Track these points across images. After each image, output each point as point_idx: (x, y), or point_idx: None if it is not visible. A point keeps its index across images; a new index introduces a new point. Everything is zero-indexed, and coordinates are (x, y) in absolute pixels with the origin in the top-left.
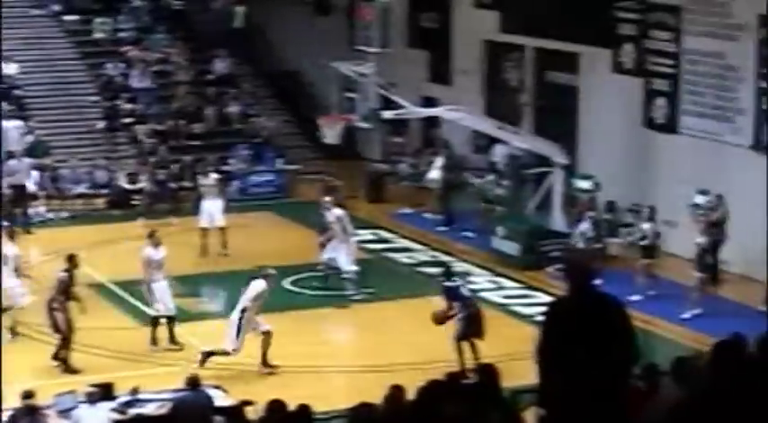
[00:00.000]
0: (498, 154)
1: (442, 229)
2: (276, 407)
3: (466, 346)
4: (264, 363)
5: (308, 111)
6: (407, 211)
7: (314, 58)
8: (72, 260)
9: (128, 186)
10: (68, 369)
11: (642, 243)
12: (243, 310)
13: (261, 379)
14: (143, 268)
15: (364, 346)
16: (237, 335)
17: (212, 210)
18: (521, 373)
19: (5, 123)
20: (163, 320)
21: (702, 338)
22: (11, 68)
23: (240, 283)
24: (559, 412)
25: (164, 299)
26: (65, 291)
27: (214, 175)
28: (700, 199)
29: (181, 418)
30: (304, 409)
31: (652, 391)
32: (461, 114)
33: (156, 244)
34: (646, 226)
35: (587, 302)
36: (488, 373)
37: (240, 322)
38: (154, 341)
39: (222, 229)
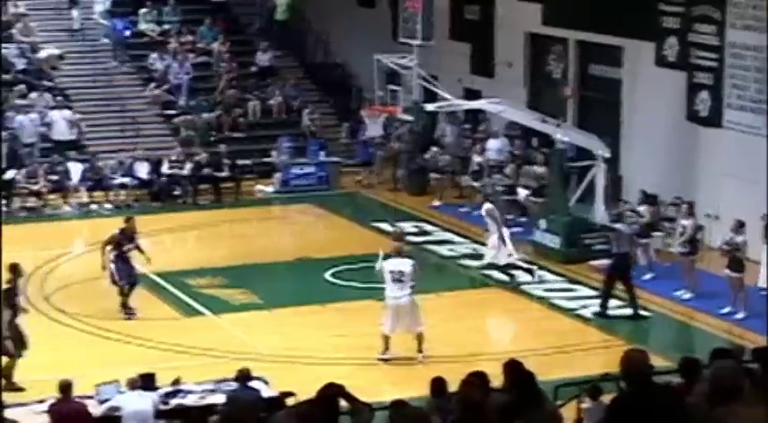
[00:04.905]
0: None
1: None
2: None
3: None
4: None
5: (352, 103)
6: (452, 203)
7: (358, 50)
8: (14, 270)
9: (169, 177)
10: (12, 387)
11: (682, 239)
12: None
13: (302, 370)
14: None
15: (405, 339)
16: None
17: None
18: (562, 366)
19: (53, 113)
20: None
21: (744, 333)
22: (47, 52)
23: (281, 274)
24: None
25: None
26: (11, 303)
27: None
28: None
29: (235, 413)
30: (329, 398)
31: (691, 385)
32: (503, 107)
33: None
34: (685, 222)
35: (649, 398)
36: (516, 367)
37: None
38: None
39: None
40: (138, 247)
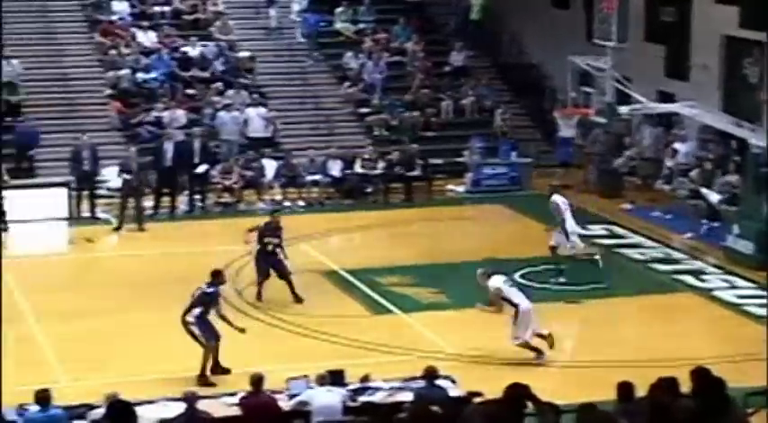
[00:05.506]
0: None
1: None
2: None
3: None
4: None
5: (545, 103)
6: (644, 206)
7: (551, 51)
8: (218, 275)
9: (361, 175)
10: (205, 381)
11: None
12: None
13: (488, 370)
14: None
15: (592, 342)
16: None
17: None
18: (753, 374)
19: (249, 111)
20: None
21: None
22: (242, 53)
23: (470, 273)
24: None
25: None
26: (205, 304)
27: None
28: None
29: (423, 411)
30: (516, 398)
31: None
32: (698, 110)
33: None
34: None
35: None
36: (705, 374)
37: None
38: None
39: None
40: (279, 244)
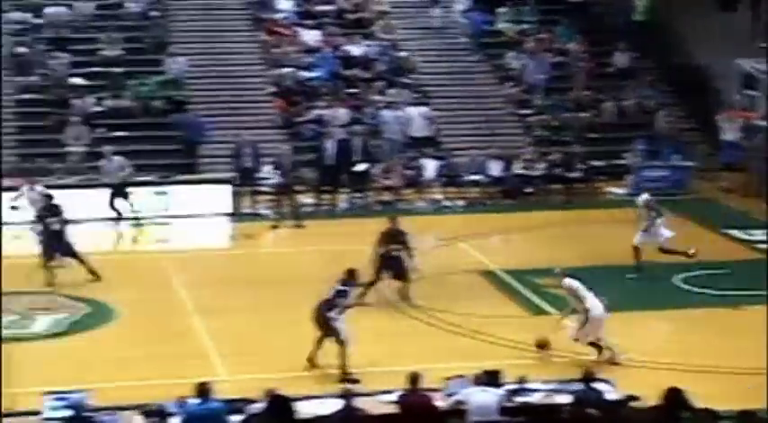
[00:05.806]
0: None
1: None
2: None
3: None
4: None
5: (709, 106)
6: None
7: (717, 54)
8: (351, 275)
9: (522, 176)
10: (347, 377)
11: None
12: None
13: (647, 374)
14: None
15: (753, 348)
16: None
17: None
18: None
19: (410, 110)
20: None
21: None
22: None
23: (623, 277)
24: None
25: None
26: (340, 302)
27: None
28: None
29: (581, 414)
30: (672, 403)
31: None
32: None
33: None
34: None
35: None
36: None
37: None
38: None
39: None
40: (405, 246)
